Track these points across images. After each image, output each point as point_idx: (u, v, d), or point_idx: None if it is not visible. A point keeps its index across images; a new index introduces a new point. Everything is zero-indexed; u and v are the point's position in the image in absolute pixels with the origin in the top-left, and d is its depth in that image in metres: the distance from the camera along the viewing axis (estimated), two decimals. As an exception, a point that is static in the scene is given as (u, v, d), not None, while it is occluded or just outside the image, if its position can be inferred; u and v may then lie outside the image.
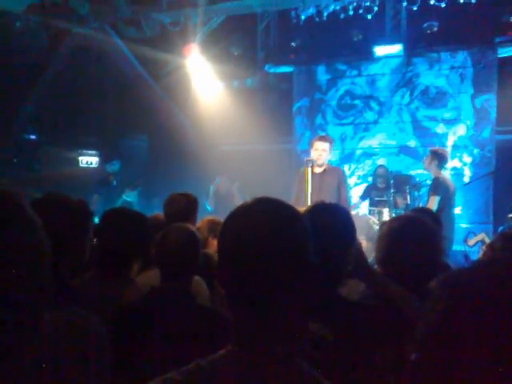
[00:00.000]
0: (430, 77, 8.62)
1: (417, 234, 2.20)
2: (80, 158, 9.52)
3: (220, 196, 8.36)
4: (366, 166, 9.08)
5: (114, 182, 7.68)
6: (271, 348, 1.04)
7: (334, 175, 5.63)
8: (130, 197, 7.35)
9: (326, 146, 5.57)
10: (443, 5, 7.58)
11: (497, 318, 0.70)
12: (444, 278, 0.80)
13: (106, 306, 2.00)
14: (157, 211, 3.97)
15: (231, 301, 1.09)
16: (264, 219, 1.06)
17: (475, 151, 8.36)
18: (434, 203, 5.80)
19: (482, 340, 0.70)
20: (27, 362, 1.00)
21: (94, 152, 9.62)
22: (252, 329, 1.05)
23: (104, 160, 8.28)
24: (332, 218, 1.89)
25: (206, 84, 8.98)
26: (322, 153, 5.53)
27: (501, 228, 6.77)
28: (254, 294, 1.04)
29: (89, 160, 9.60)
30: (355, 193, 8.63)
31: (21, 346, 1.00)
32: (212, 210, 7.77)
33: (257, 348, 1.05)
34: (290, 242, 1.05)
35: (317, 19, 8.15)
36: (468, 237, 6.81)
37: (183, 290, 2.19)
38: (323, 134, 6.16)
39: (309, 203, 5.14)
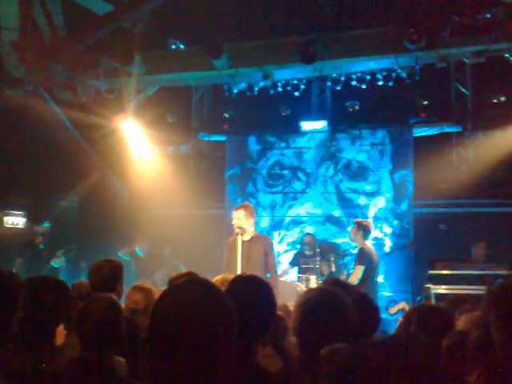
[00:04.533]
0: (352, 152, 9.13)
1: (328, 305, 2.38)
2: (5, 219, 9.21)
3: (143, 260, 8.32)
4: (295, 234, 9.32)
5: (41, 245, 7.45)
6: None
7: (260, 243, 5.81)
8: (58, 263, 7.10)
9: (239, 213, 5.79)
10: (364, 86, 8.23)
11: None
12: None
13: (25, 378, 2.01)
14: (84, 275, 3.97)
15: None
16: (191, 302, 1.27)
17: (395, 223, 8.81)
18: (358, 273, 6.13)
19: None
20: None
21: (20, 212, 9.34)
22: None
23: (33, 220, 8.02)
24: (252, 297, 2.07)
25: (140, 149, 9.07)
26: (237, 221, 5.76)
27: (418, 298, 7.10)
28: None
29: (14, 221, 9.28)
30: (285, 259, 8.84)
31: None
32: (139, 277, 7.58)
33: None
34: (212, 322, 1.25)
35: (248, 93, 8.61)
36: (389, 305, 7.02)
37: (102, 363, 2.23)
38: (241, 203, 6.46)
39: (238, 269, 5.37)
